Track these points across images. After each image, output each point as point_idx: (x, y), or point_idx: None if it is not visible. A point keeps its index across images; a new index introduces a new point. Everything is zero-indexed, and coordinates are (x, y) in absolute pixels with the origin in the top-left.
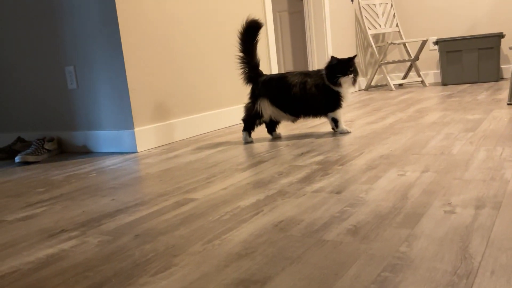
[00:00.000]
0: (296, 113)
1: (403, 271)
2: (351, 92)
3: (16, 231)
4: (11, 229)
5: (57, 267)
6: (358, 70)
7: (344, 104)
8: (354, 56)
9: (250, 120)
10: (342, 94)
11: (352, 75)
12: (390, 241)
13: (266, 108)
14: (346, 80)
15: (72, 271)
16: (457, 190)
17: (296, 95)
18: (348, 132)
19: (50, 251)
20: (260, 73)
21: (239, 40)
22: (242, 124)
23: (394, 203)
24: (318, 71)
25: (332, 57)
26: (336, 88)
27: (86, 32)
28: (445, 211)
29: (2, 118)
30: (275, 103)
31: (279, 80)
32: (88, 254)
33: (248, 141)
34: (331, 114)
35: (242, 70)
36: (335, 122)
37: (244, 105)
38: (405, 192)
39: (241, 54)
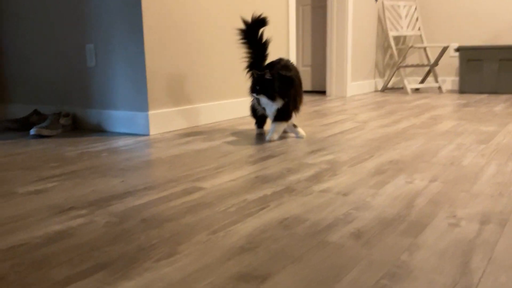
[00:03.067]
0: None
1: (401, 280)
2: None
3: (27, 204)
4: (22, 202)
5: (64, 244)
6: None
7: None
8: (263, 73)
9: (254, 116)
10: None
11: (264, 95)
12: (392, 248)
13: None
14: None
15: (78, 250)
16: (464, 203)
17: None
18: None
19: (58, 227)
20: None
21: (243, 35)
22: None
23: (399, 211)
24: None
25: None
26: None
27: (109, 11)
28: (449, 224)
29: (21, 90)
30: None
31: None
32: (95, 234)
33: (259, 133)
34: None
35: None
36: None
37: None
38: (411, 200)
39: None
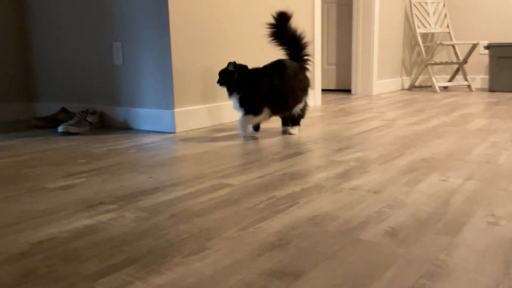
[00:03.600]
0: None
1: (442, 280)
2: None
3: (56, 199)
4: (51, 197)
5: (94, 238)
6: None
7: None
8: (228, 65)
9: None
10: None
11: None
12: (430, 247)
13: None
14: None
15: (108, 244)
16: (502, 202)
17: None
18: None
19: (88, 221)
20: None
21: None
22: None
23: (435, 209)
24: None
25: (231, 63)
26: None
27: (136, 9)
28: (488, 222)
29: (49, 88)
30: None
31: None
32: (125, 228)
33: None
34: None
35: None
36: None
37: None
38: (447, 198)
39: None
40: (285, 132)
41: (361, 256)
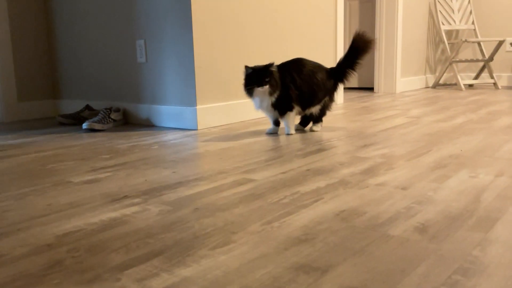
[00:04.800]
0: None
1: (476, 276)
2: (266, 103)
3: (82, 193)
4: (76, 190)
5: (119, 231)
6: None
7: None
8: (270, 64)
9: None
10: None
11: (268, 86)
12: (462, 243)
13: None
14: (259, 91)
15: (133, 236)
16: None
17: None
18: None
19: (113, 214)
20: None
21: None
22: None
23: (466, 205)
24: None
25: (246, 67)
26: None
27: (159, 7)
28: None
29: (73, 86)
30: None
31: None
32: (149, 221)
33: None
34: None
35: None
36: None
37: None
38: (478, 195)
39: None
40: (303, 129)
41: (390, 251)
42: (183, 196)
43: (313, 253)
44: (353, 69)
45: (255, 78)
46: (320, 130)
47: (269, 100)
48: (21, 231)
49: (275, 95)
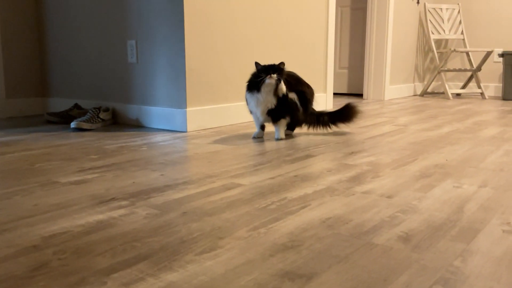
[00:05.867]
0: None
1: (457, 286)
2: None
3: (69, 194)
4: (64, 191)
5: (106, 233)
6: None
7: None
8: (282, 63)
9: None
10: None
11: (276, 77)
12: (444, 253)
13: None
14: (268, 84)
15: (120, 239)
16: None
17: None
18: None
19: (100, 217)
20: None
21: None
22: None
23: (449, 215)
24: None
25: (257, 62)
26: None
27: (151, 7)
28: (503, 230)
29: (63, 84)
30: None
31: None
32: (136, 224)
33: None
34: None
35: None
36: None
37: None
38: (461, 205)
39: None
40: (292, 134)
41: (374, 260)
42: (171, 199)
43: (298, 260)
44: (330, 125)
45: (266, 70)
46: (310, 136)
47: (272, 100)
48: (7, 232)
49: (279, 94)
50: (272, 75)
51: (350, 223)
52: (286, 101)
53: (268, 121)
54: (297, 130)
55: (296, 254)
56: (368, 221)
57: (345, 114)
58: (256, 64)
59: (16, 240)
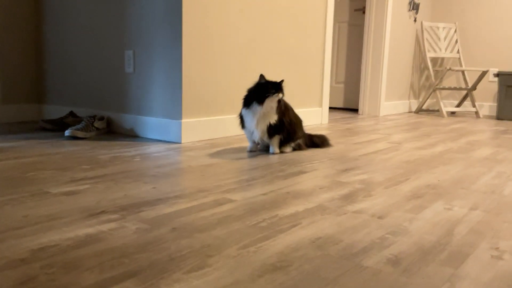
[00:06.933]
0: None
1: None
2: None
3: (59, 205)
4: (54, 202)
5: (94, 248)
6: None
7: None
8: (282, 81)
9: None
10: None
11: (281, 95)
12: (432, 278)
13: None
14: (271, 100)
15: (108, 255)
16: (507, 234)
17: None
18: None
19: (89, 230)
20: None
21: None
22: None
23: (439, 238)
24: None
25: (262, 75)
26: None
27: (150, 18)
28: (492, 255)
29: (59, 91)
30: None
31: None
32: (126, 239)
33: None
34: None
35: None
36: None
37: None
38: (451, 228)
39: None
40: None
41: (362, 283)
42: (162, 214)
43: (287, 281)
44: (308, 144)
45: (271, 87)
46: (304, 152)
47: (273, 116)
48: None
49: (279, 114)
50: (272, 96)
51: (340, 244)
52: (281, 121)
53: (264, 138)
54: None
55: (285, 275)
56: (358, 242)
57: (319, 143)
58: (261, 76)
59: (5, 252)
